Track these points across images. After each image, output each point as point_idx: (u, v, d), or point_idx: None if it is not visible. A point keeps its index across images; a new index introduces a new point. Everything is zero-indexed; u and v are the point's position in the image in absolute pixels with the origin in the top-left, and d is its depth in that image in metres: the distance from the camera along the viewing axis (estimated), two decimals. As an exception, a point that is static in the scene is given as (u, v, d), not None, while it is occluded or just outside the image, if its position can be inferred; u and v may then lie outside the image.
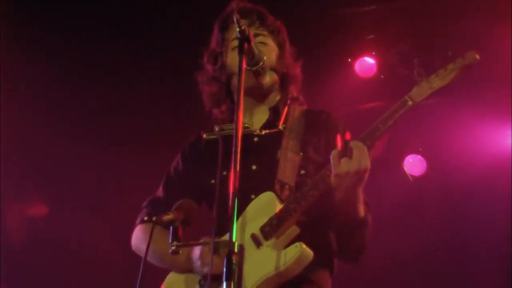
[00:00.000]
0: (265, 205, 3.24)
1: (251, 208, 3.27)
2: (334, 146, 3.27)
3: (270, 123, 3.56)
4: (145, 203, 3.71)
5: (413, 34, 6.47)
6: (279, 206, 3.21)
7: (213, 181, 3.42)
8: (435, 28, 6.30)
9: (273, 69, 3.55)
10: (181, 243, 2.93)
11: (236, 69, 3.30)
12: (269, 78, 3.52)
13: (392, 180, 6.77)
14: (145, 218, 3.58)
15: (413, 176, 7.05)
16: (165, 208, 3.07)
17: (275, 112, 3.59)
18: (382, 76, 6.83)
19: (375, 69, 6.83)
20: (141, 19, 6.46)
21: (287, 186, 3.28)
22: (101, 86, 6.68)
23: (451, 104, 6.62)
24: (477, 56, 3.03)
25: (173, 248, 2.91)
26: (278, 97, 3.64)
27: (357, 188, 3.15)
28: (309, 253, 3.11)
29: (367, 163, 3.08)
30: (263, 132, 3.52)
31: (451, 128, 6.84)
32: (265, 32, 3.60)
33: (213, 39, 3.72)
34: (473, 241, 6.83)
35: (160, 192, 3.69)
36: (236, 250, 2.60)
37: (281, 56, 3.61)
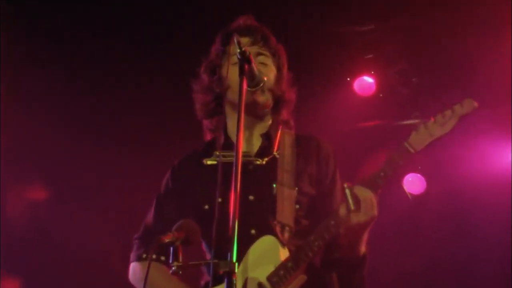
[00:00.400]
0: (268, 251, 3.26)
1: (253, 252, 3.28)
2: (325, 176, 3.42)
3: (265, 150, 3.55)
4: (137, 235, 3.70)
5: (412, 53, 6.50)
6: (282, 252, 3.23)
7: (206, 206, 3.44)
8: (435, 47, 6.32)
9: (270, 89, 3.55)
10: (181, 264, 2.92)
11: (233, 84, 3.43)
12: (265, 98, 3.52)
13: (391, 198, 6.77)
14: (144, 256, 3.56)
15: (412, 195, 7.05)
16: None
17: (268, 138, 3.58)
18: (381, 95, 6.85)
19: (374, 88, 6.85)
20: (142, 18, 6.44)
21: (287, 228, 3.30)
22: (102, 86, 6.65)
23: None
24: (475, 104, 3.04)
25: (173, 268, 2.90)
26: (270, 121, 3.64)
27: (364, 233, 3.22)
28: None
29: (375, 213, 3.12)
30: (264, 161, 3.51)
31: (451, 146, 6.84)
32: (267, 53, 3.61)
33: (213, 50, 3.73)
34: (474, 259, 6.81)
35: (151, 218, 3.67)
36: (236, 270, 2.61)
37: (278, 79, 3.62)
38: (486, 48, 6.13)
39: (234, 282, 2.61)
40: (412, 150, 3.07)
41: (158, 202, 3.70)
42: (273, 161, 3.49)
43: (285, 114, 3.70)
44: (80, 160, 6.66)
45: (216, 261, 2.70)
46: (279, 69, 3.65)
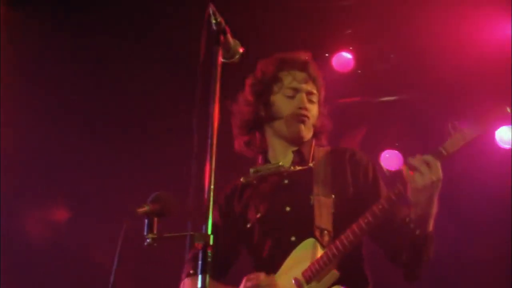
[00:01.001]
0: (308, 251, 3.37)
1: (295, 253, 3.43)
2: (364, 183, 3.54)
3: (299, 161, 3.70)
4: (189, 256, 3.72)
5: (391, 29, 6.50)
6: (320, 252, 3.33)
7: (248, 225, 3.61)
8: (415, 23, 6.32)
9: (313, 124, 3.75)
10: (156, 236, 2.91)
11: (283, 114, 3.69)
12: (309, 132, 3.74)
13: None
14: (191, 272, 3.65)
15: (389, 171, 7.06)
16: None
17: (300, 153, 3.73)
18: (359, 71, 6.85)
19: (352, 64, 6.85)
20: (141, 18, 6.47)
21: (326, 232, 3.40)
22: (107, 89, 6.70)
23: (430, 99, 6.65)
24: (509, 110, 3.14)
25: (148, 241, 2.89)
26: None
27: (433, 200, 3.25)
28: None
29: (439, 173, 3.18)
30: (293, 169, 3.65)
31: (429, 123, 6.87)
32: (315, 91, 3.79)
33: (264, 72, 3.83)
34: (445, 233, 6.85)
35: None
36: (211, 243, 2.62)
37: (320, 113, 3.82)
38: (468, 24, 6.13)
39: (210, 253, 2.61)
40: (444, 153, 3.18)
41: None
42: (308, 172, 3.63)
43: (323, 141, 3.87)
44: (83, 161, 6.71)
45: (192, 233, 2.70)
46: (321, 104, 3.84)
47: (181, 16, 6.26)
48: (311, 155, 3.72)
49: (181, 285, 3.73)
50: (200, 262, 2.60)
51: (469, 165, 6.67)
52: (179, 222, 3.25)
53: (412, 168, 3.15)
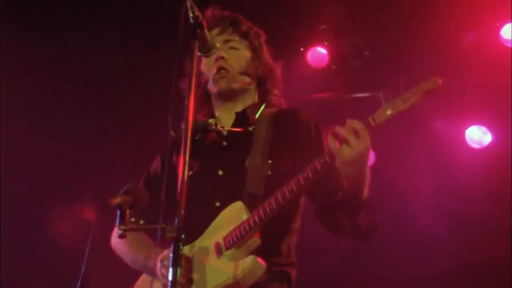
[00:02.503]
0: (233, 215, 3.28)
1: (221, 217, 3.33)
2: (303, 140, 3.41)
3: (239, 123, 3.61)
4: None
5: (365, 25, 6.53)
6: (246, 217, 3.23)
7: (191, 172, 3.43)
8: (389, 20, 6.36)
9: (242, 72, 3.66)
10: (127, 227, 2.91)
11: (209, 74, 3.60)
12: (236, 82, 3.64)
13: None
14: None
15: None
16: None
17: (243, 115, 3.63)
18: (334, 67, 6.88)
19: (327, 59, 6.87)
20: (136, 17, 6.49)
21: (256, 197, 3.29)
22: (102, 86, 6.71)
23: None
24: (439, 82, 3.04)
25: (120, 232, 2.90)
26: (251, 100, 3.71)
27: (365, 168, 3.15)
28: (262, 266, 3.18)
29: (368, 142, 3.06)
30: (232, 132, 3.57)
31: (402, 120, 6.91)
32: (237, 38, 3.70)
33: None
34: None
35: None
36: (183, 236, 2.62)
37: (254, 59, 3.72)
38: (442, 19, 6.18)
39: (181, 247, 2.62)
40: (373, 123, 3.04)
41: (146, 177, 3.78)
42: (247, 136, 3.53)
43: (272, 91, 3.77)
44: (84, 158, 6.72)
45: (163, 225, 2.70)
46: (254, 49, 3.74)
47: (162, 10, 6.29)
48: (256, 117, 3.61)
49: (113, 232, 3.68)
50: (171, 255, 2.60)
51: (437, 165, 6.75)
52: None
53: (340, 138, 3.01)
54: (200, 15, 3.04)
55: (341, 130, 3.01)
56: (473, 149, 6.70)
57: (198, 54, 3.11)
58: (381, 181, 7.00)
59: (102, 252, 3.62)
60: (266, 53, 3.82)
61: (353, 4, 6.41)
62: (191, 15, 3.03)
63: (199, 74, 3.70)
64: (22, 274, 6.49)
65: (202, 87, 3.73)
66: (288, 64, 6.67)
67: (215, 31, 3.67)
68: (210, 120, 3.59)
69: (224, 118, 3.67)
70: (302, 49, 6.88)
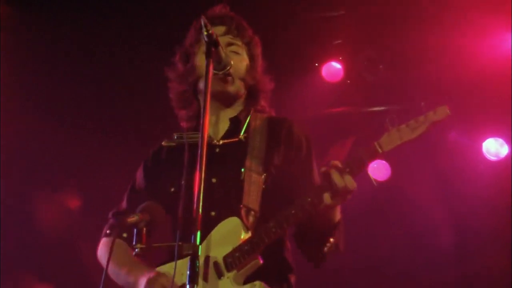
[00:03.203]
0: (231, 232, 3.24)
1: (217, 232, 3.26)
2: (296, 159, 3.40)
3: (230, 134, 3.55)
4: (109, 215, 3.68)
5: (380, 40, 6.53)
6: (244, 235, 3.20)
7: (172, 189, 3.42)
8: (404, 34, 6.35)
9: (241, 79, 3.58)
10: (144, 246, 2.92)
11: (204, 73, 3.28)
12: (235, 87, 3.55)
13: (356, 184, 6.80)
14: (108, 232, 3.58)
15: (377, 181, 7.09)
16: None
17: (236, 122, 3.58)
18: (349, 81, 6.87)
19: (341, 74, 6.86)
20: (137, 16, 6.47)
21: (252, 212, 3.27)
22: (104, 86, 6.72)
23: (416, 109, 6.67)
24: (448, 111, 3.02)
25: (136, 250, 2.90)
26: (241, 108, 3.64)
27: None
28: None
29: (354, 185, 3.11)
30: (221, 142, 3.51)
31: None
32: (240, 43, 3.63)
33: (188, 38, 3.72)
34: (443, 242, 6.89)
35: (124, 204, 3.67)
36: (199, 253, 2.63)
37: (251, 68, 3.65)
38: (457, 33, 6.17)
39: (198, 264, 2.62)
40: (380, 150, 3.06)
41: (131, 188, 3.71)
42: (239, 144, 3.48)
43: (261, 103, 3.70)
44: (85, 158, 6.73)
45: (180, 243, 2.70)
46: (252, 58, 3.67)
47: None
48: (247, 123, 3.56)
49: (99, 244, 3.62)
50: (188, 272, 2.60)
51: (454, 177, 6.72)
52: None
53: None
54: (214, 33, 3.04)
55: (338, 181, 3.07)
56: (490, 161, 6.68)
57: (214, 72, 3.12)
58: (396, 194, 7.03)
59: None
60: (261, 62, 3.74)
61: (368, 19, 6.41)
62: (205, 33, 3.02)
63: (192, 69, 3.62)
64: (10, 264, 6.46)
65: (190, 82, 3.63)
66: (303, 79, 6.78)
67: (220, 29, 3.57)
68: (211, 135, 3.51)
69: (214, 123, 3.59)
70: (316, 64, 6.87)
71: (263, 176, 3.35)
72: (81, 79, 6.62)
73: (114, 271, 3.42)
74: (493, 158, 6.67)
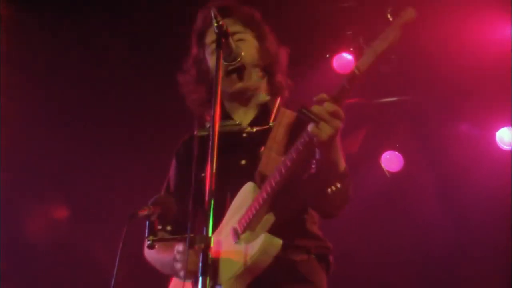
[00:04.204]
0: (246, 196, 3.23)
1: (235, 201, 3.28)
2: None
3: (259, 120, 3.54)
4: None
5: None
6: (256, 195, 3.17)
7: (203, 174, 3.28)
8: (416, 24, 6.31)
9: (255, 65, 3.54)
10: (157, 238, 2.93)
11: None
12: (253, 78, 3.53)
13: (369, 176, 6.80)
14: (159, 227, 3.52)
15: (390, 172, 7.09)
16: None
17: (264, 109, 3.56)
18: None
19: (353, 65, 6.82)
20: (141, 19, 6.48)
21: (266, 178, 3.18)
22: (109, 92, 6.72)
23: (429, 100, 6.66)
24: (414, 12, 2.92)
25: (149, 243, 2.91)
26: (266, 92, 3.61)
27: (335, 147, 3.06)
28: (276, 241, 3.08)
29: (339, 123, 2.94)
30: (254, 129, 3.50)
31: (429, 123, 6.89)
32: (241, 28, 3.56)
33: (194, 45, 3.70)
34: (455, 235, 6.88)
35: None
36: (211, 245, 2.61)
37: (262, 48, 3.59)
38: (465, 29, 6.14)
39: (210, 256, 2.61)
40: (357, 72, 2.91)
41: (168, 183, 3.71)
42: (267, 131, 3.45)
43: (280, 80, 3.65)
44: (86, 163, 6.75)
45: (192, 235, 2.70)
46: (259, 38, 3.60)
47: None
48: (273, 114, 3.53)
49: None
50: (200, 264, 2.59)
51: (469, 166, 6.70)
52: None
53: (315, 118, 2.89)
54: (224, 24, 3.01)
55: (317, 110, 2.91)
56: (503, 151, 6.65)
57: (224, 63, 3.11)
58: (411, 185, 7.02)
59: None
60: (271, 38, 3.66)
61: (379, 9, 6.37)
62: (215, 24, 3.00)
63: (207, 70, 3.60)
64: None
65: (207, 84, 3.59)
66: (314, 70, 6.75)
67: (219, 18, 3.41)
68: (238, 121, 3.53)
69: (242, 111, 3.59)
70: (327, 55, 6.85)
71: (282, 156, 3.24)
72: (80, 82, 6.65)
73: (160, 262, 3.48)
74: (507, 148, 6.65)
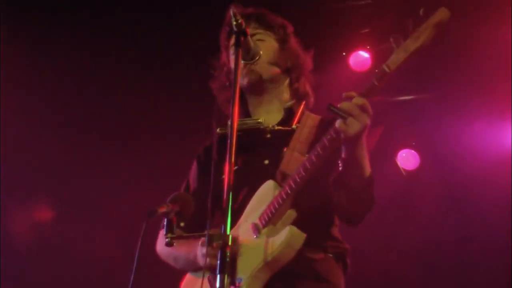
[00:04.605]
0: (266, 193, 3.25)
1: (255, 198, 3.29)
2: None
3: (284, 122, 3.56)
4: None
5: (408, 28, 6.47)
6: (277, 193, 3.19)
7: (223, 176, 3.24)
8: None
9: (272, 63, 3.57)
10: (175, 235, 2.95)
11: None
12: (268, 71, 3.55)
13: (385, 174, 6.78)
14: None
15: (406, 171, 7.07)
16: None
17: (289, 112, 3.59)
18: (377, 71, 6.81)
19: (369, 63, 6.83)
20: (142, 20, 6.51)
21: (288, 177, 3.21)
22: (107, 91, 6.74)
23: (445, 98, 6.64)
24: (448, 12, 2.90)
25: (167, 240, 2.92)
26: (288, 94, 3.64)
27: (362, 145, 3.07)
28: (300, 235, 3.10)
29: (367, 120, 2.98)
30: (276, 128, 3.52)
31: (445, 122, 6.86)
32: (261, 31, 3.61)
33: (222, 49, 3.75)
34: (468, 235, 6.86)
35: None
36: (230, 242, 2.61)
37: (282, 50, 3.62)
38: (485, 28, 6.11)
39: (228, 253, 2.61)
40: (387, 70, 2.93)
41: (187, 186, 3.71)
42: (291, 132, 3.47)
43: (303, 84, 3.68)
44: (84, 163, 6.76)
45: (210, 233, 2.71)
46: (281, 41, 3.65)
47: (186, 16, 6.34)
48: (299, 115, 3.55)
49: (159, 237, 3.64)
50: (218, 262, 2.60)
51: (481, 165, 6.68)
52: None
53: (343, 114, 2.91)
54: (243, 22, 3.02)
55: (345, 105, 2.93)
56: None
57: (242, 62, 3.12)
58: (426, 183, 7.00)
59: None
60: (294, 43, 3.71)
61: (395, 7, 6.37)
62: (234, 22, 3.01)
63: (229, 72, 3.63)
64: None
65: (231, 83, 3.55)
66: (331, 68, 6.75)
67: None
68: (260, 120, 3.54)
69: (266, 112, 3.61)
70: (344, 53, 6.85)
71: (305, 156, 3.26)
72: (80, 82, 6.68)
73: (174, 257, 3.51)
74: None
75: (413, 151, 7.09)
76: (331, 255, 3.34)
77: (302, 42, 3.82)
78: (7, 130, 6.35)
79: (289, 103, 3.62)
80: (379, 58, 6.77)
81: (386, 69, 2.92)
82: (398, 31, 2.95)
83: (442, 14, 2.91)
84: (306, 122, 3.50)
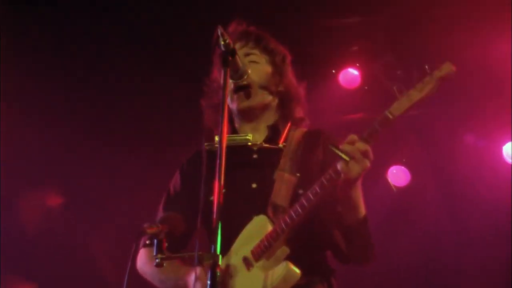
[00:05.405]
0: (258, 229, 3.24)
1: (245, 232, 3.28)
2: (328, 161, 3.25)
3: (270, 140, 3.55)
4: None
5: (396, 46, 6.51)
6: (270, 229, 3.19)
7: (211, 198, 3.22)
8: (420, 40, 6.33)
9: (263, 87, 3.57)
10: (165, 256, 2.94)
11: (228, 94, 3.39)
12: (257, 99, 3.55)
13: (375, 191, 6.79)
14: (147, 242, 3.50)
15: (396, 187, 7.08)
16: None
17: (274, 130, 3.59)
18: (366, 88, 6.85)
19: (359, 80, 6.86)
20: (144, 21, 6.49)
21: (280, 209, 3.25)
22: (109, 91, 6.74)
23: (435, 114, 6.66)
24: (453, 68, 2.98)
25: (157, 261, 2.91)
26: (276, 116, 3.64)
27: (357, 188, 3.13)
28: (296, 272, 3.13)
29: (367, 163, 3.03)
30: (264, 145, 3.51)
31: (435, 138, 6.88)
32: (257, 52, 3.62)
33: (214, 65, 3.74)
34: (466, 250, 6.87)
35: (160, 213, 3.62)
36: (220, 263, 2.62)
37: (275, 74, 3.63)
38: (476, 40, 6.14)
39: (218, 274, 2.61)
40: (390, 117, 2.98)
41: (167, 200, 3.68)
42: (278, 151, 3.48)
43: (297, 111, 3.69)
44: (87, 161, 6.76)
45: (200, 253, 2.71)
46: (275, 65, 3.65)
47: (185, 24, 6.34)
48: (285, 133, 3.56)
49: (138, 255, 3.57)
50: (209, 282, 2.59)
51: (476, 180, 6.69)
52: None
53: (345, 156, 2.97)
54: (231, 42, 3.03)
55: (348, 148, 2.99)
56: (509, 165, 6.64)
57: (231, 80, 3.12)
58: (417, 198, 7.01)
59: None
60: (289, 71, 3.72)
61: (384, 25, 6.41)
62: (222, 42, 3.02)
63: (219, 88, 3.54)
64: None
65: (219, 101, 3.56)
66: (320, 86, 6.77)
67: (237, 45, 3.53)
68: (248, 136, 3.52)
69: (252, 129, 3.60)
70: (333, 70, 6.87)
71: (296, 177, 3.32)
72: (81, 84, 6.66)
73: (159, 279, 3.45)
74: (512, 162, 6.63)
75: (403, 167, 7.09)
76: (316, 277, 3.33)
77: (291, 59, 3.82)
78: (10, 130, 6.35)
79: (273, 122, 3.62)
80: (368, 75, 6.79)
81: (390, 116, 3.00)
82: (401, 81, 3.03)
83: (447, 68, 2.99)
84: (293, 138, 3.52)
